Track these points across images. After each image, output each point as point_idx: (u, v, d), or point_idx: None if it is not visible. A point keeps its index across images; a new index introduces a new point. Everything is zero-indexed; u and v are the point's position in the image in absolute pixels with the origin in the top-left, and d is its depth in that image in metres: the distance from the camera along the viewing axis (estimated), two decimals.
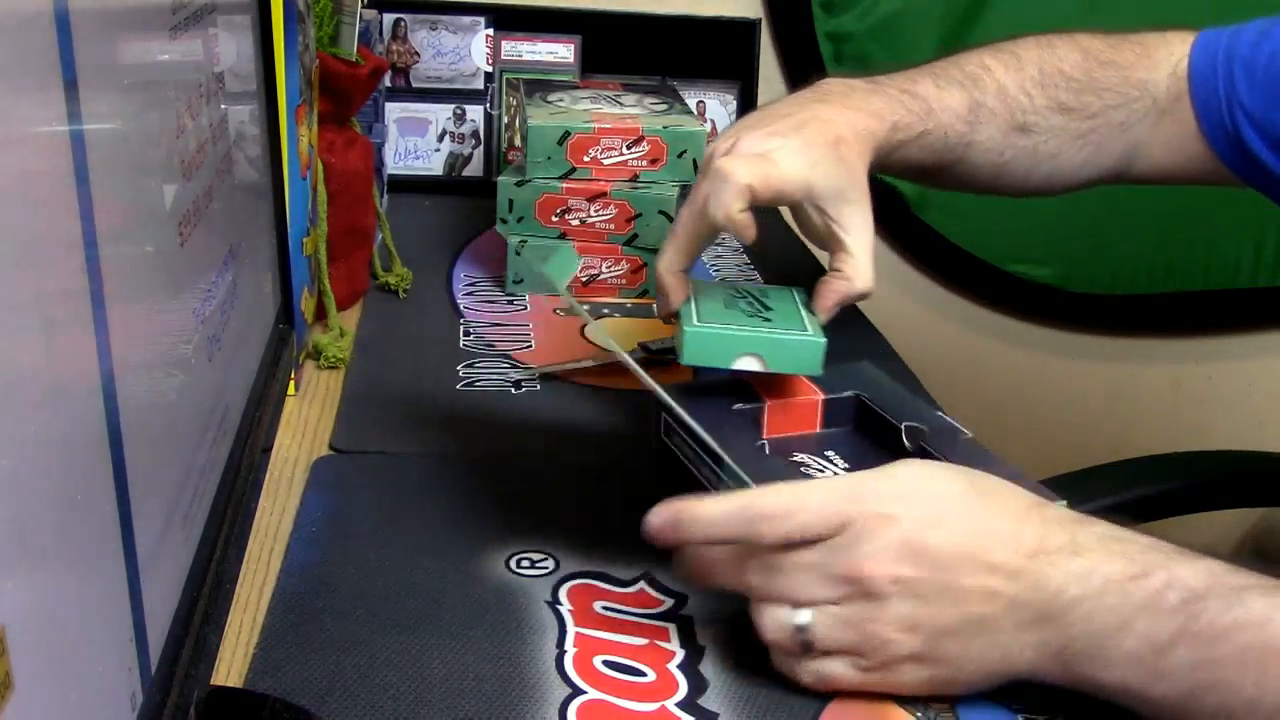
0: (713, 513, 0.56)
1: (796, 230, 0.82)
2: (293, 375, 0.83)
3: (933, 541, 0.54)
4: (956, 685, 0.56)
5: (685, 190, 1.06)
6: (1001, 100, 0.84)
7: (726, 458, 0.65)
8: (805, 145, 0.73)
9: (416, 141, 1.34)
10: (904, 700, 0.57)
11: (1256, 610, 0.50)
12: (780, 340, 0.71)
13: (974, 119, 0.84)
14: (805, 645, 0.55)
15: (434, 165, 1.35)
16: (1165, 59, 0.87)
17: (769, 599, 0.56)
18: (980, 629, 0.54)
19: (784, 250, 1.24)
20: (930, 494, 0.56)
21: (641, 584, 0.65)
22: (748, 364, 0.70)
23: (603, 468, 0.77)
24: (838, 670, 0.56)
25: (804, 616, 0.55)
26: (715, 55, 1.40)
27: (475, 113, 1.35)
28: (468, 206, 1.26)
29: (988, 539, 0.55)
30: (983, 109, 0.84)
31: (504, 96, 1.34)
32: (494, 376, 0.89)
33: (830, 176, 0.73)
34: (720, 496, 0.57)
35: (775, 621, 0.56)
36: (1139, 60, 0.87)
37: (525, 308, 1.02)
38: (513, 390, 0.87)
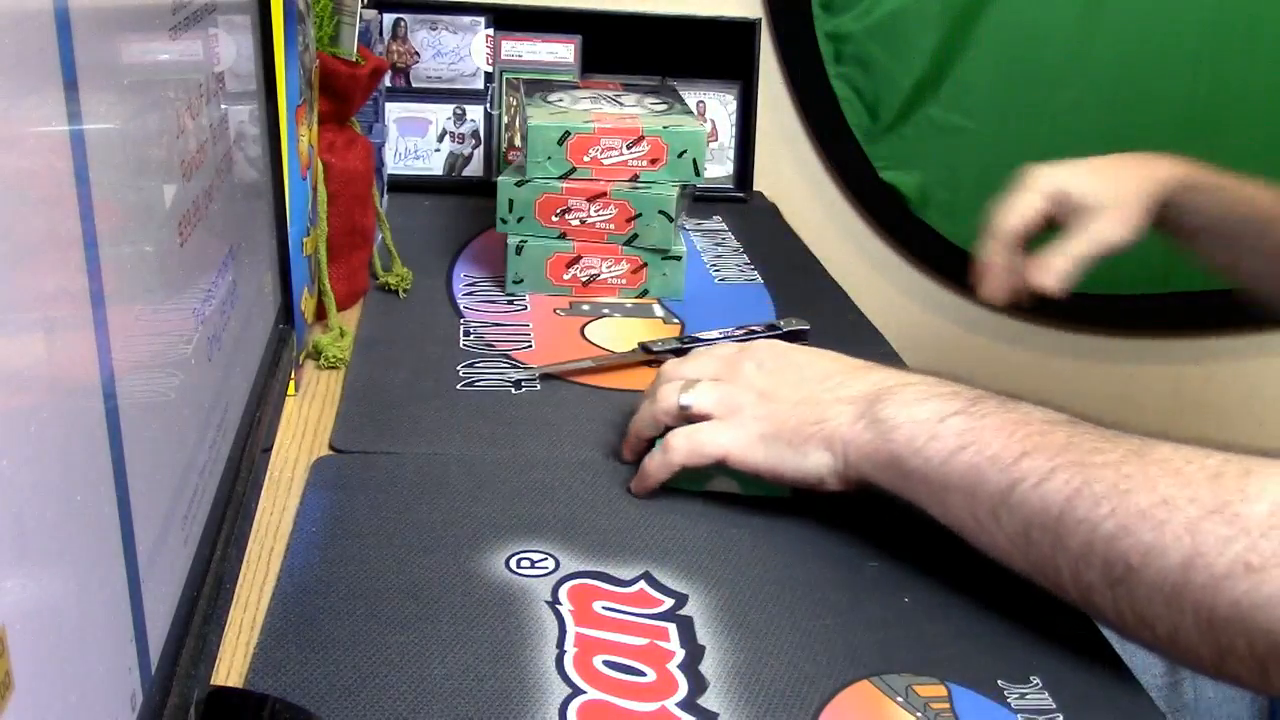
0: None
1: None
2: (293, 375, 0.83)
3: (795, 357, 0.73)
4: (780, 438, 0.69)
5: (684, 190, 1.06)
6: None
7: None
8: None
9: (416, 141, 1.34)
10: (903, 701, 0.57)
11: (1024, 407, 0.63)
12: None
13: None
14: (684, 413, 0.72)
15: (434, 165, 1.35)
16: None
17: (673, 378, 0.74)
18: (812, 400, 0.69)
19: (784, 249, 1.24)
20: (812, 351, 0.74)
21: (641, 584, 0.65)
22: (720, 485, 0.74)
23: (602, 467, 0.77)
24: (703, 434, 0.70)
25: (688, 398, 0.72)
26: (715, 55, 1.40)
27: (475, 113, 1.35)
28: (468, 206, 1.27)
29: (837, 364, 0.72)
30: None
31: (504, 96, 1.34)
32: (494, 376, 0.89)
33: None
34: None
35: (668, 397, 0.73)
36: None
37: (525, 308, 1.02)
38: (513, 390, 0.87)
